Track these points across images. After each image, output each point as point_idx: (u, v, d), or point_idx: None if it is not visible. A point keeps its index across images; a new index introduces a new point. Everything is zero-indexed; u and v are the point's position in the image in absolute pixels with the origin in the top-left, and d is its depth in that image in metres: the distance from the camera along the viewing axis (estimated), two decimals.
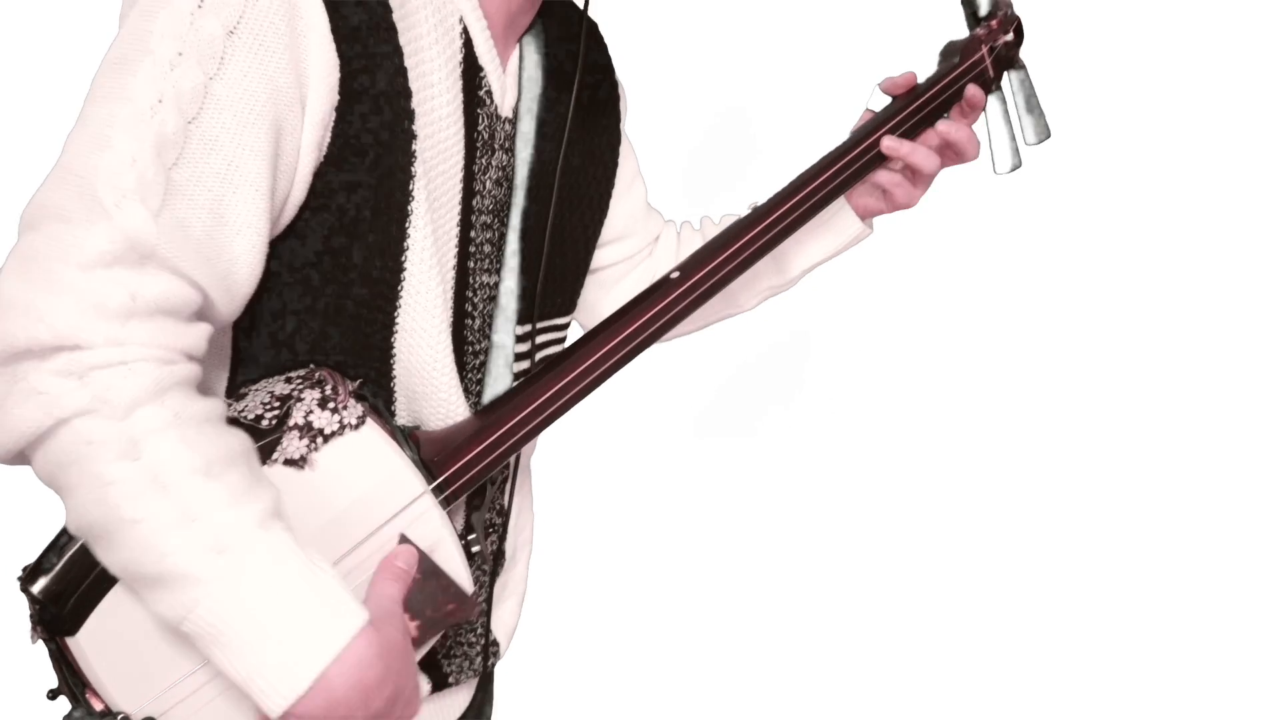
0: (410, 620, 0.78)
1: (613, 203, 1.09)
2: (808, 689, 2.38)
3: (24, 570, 0.77)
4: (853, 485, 2.49)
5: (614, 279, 1.18)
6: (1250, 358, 2.44)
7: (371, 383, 0.86)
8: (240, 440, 0.73)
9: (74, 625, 0.75)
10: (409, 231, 0.82)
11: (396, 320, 0.84)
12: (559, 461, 1.59)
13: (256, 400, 0.79)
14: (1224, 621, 2.40)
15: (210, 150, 0.71)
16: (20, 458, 0.71)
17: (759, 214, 1.00)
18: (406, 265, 0.83)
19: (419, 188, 0.82)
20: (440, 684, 1.00)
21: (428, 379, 0.87)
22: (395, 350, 0.86)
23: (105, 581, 0.74)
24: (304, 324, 0.82)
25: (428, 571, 0.78)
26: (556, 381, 0.89)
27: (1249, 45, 2.36)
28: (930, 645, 2.41)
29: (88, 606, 0.75)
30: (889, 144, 1.05)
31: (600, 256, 1.13)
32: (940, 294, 2.46)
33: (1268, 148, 2.39)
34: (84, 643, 0.75)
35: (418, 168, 0.82)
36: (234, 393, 0.84)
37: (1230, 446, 2.45)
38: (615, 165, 1.08)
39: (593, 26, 1.08)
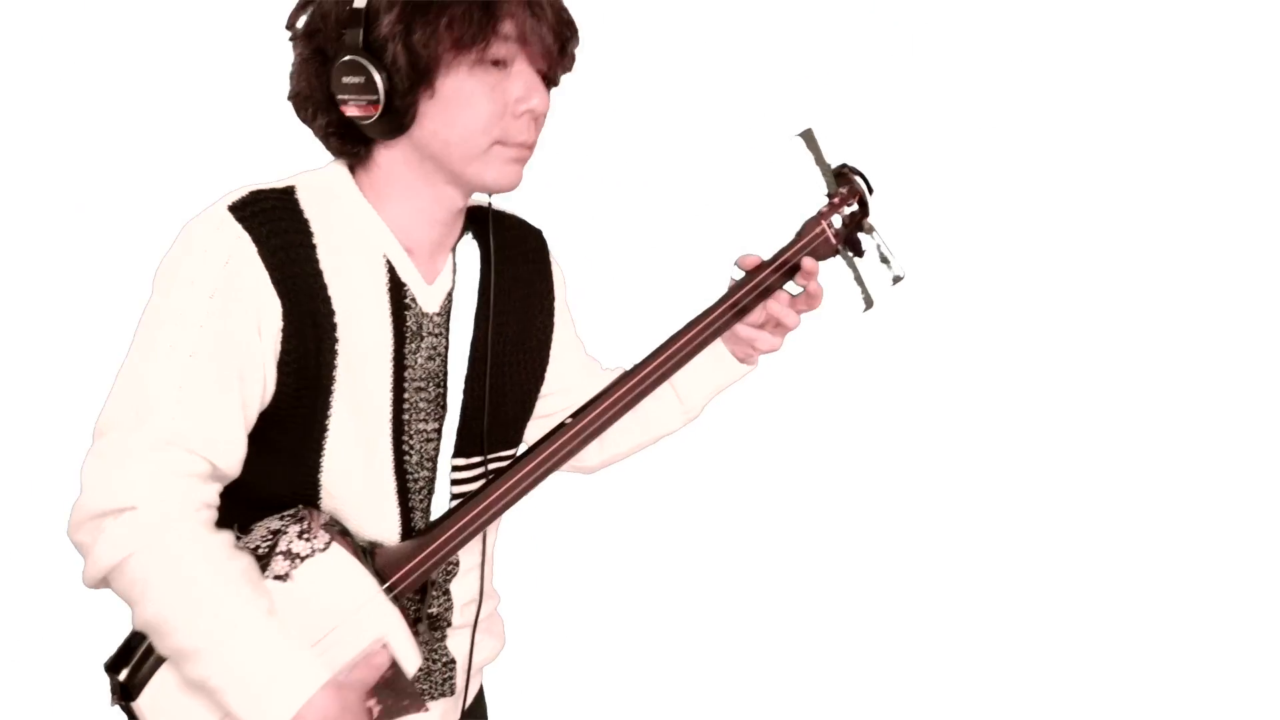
0: (376, 704, 1.10)
1: (551, 362, 1.35)
2: (812, 696, 2.43)
3: (108, 660, 1.09)
4: (852, 486, 2.53)
5: None
6: (1251, 355, 2.43)
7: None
8: (245, 560, 1.07)
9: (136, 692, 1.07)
10: (332, 403, 1.12)
11: (321, 472, 1.15)
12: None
13: (257, 535, 1.12)
14: (1224, 621, 2.41)
15: (204, 375, 1.05)
16: (103, 583, 1.05)
17: (635, 369, 1.24)
18: (330, 428, 1.13)
19: (341, 374, 1.12)
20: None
21: (364, 509, 1.18)
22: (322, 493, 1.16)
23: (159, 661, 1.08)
24: (252, 470, 1.13)
25: (396, 674, 1.11)
26: (479, 504, 1.19)
27: (1251, 42, 2.34)
28: (937, 648, 2.45)
29: (145, 679, 1.07)
30: (743, 331, 1.30)
31: (546, 405, 1.38)
32: (942, 296, 2.47)
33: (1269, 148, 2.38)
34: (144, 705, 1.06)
35: (339, 361, 1.12)
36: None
37: (1231, 446, 2.44)
38: (551, 331, 1.35)
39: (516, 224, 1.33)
